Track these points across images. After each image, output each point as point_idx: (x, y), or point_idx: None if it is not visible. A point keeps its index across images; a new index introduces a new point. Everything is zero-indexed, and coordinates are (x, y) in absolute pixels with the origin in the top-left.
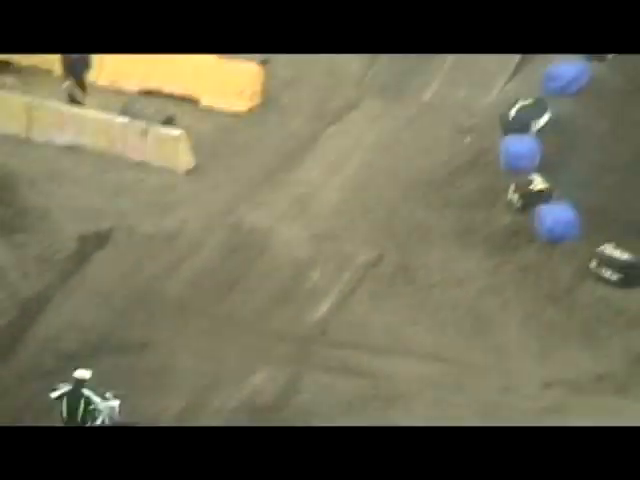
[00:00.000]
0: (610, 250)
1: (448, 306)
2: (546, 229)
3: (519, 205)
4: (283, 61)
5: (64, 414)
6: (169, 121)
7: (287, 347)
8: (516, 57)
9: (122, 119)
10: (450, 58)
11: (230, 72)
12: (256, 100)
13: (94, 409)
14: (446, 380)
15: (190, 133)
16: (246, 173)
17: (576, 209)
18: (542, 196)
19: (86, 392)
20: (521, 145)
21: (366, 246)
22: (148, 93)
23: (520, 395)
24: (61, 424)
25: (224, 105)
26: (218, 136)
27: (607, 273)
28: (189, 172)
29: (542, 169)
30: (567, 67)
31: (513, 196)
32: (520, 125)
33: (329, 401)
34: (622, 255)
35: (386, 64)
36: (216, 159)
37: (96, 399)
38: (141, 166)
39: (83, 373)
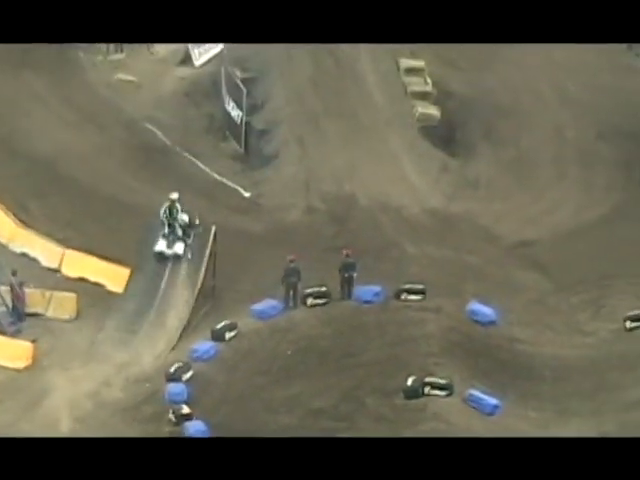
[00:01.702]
0: None
1: None
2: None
3: (175, 421)
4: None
5: (166, 215)
6: None
7: None
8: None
9: None
10: None
11: (6, 345)
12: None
13: (180, 216)
14: None
15: None
16: None
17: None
18: (188, 417)
19: (177, 205)
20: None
21: None
22: None
23: None
24: None
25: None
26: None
27: None
28: None
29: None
30: (204, 345)
31: (171, 415)
32: (175, 376)
33: None
34: None
35: None
36: None
37: (182, 213)
38: None
39: (174, 195)
